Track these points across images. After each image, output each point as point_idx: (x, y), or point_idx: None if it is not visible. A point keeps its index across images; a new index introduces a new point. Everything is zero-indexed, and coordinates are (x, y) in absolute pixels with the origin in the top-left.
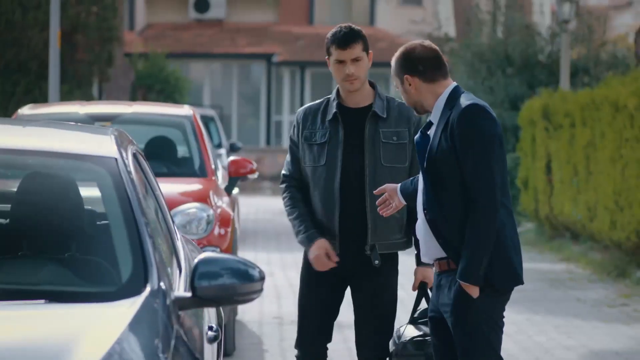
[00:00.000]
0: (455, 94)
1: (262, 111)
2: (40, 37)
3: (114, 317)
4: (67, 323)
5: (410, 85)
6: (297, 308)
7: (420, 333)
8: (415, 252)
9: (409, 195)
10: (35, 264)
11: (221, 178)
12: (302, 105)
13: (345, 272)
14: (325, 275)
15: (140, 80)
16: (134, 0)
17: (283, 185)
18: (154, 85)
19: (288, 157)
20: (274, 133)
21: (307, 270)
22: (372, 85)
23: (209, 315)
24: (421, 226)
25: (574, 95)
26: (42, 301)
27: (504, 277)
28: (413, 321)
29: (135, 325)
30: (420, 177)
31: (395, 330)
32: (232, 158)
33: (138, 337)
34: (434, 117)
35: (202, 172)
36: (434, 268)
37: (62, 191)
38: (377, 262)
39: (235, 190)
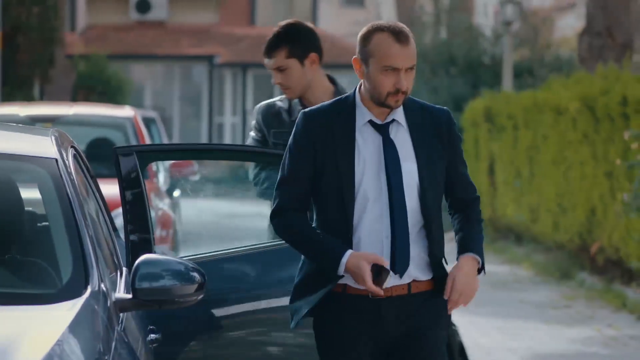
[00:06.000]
0: None
1: (204, 113)
2: None
3: (54, 319)
4: (7, 325)
5: None
6: None
7: None
8: None
9: None
10: None
11: (162, 180)
12: (243, 106)
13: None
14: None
15: (82, 81)
16: (75, 1)
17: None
18: (96, 86)
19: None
20: (216, 135)
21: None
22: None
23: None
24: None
25: (517, 97)
26: None
27: None
28: None
29: (75, 327)
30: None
31: None
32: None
33: (78, 339)
34: (399, 115)
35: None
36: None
37: (1, 192)
38: None
39: (177, 192)
